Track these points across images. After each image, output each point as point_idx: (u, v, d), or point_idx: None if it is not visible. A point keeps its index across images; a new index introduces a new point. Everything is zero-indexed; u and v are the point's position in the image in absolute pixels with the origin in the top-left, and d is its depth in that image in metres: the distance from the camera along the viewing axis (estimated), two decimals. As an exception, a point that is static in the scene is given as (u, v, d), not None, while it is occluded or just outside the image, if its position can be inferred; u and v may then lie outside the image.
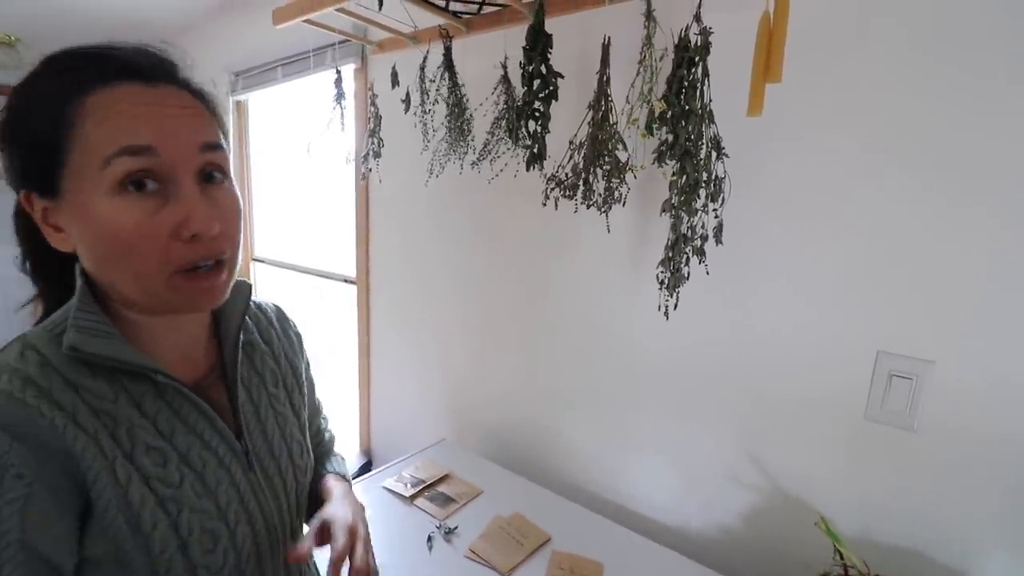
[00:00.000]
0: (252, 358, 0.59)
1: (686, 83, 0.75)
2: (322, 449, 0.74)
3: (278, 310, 0.68)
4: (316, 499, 0.64)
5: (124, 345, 0.45)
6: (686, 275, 0.86)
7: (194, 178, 0.45)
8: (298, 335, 0.69)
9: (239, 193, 0.50)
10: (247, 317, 0.59)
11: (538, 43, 0.79)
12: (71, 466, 0.41)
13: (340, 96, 1.25)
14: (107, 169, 0.41)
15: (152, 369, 0.46)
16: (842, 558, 0.80)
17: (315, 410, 0.72)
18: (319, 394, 0.73)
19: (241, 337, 0.57)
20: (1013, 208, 0.75)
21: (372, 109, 1.31)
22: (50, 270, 0.51)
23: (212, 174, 0.47)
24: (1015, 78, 0.73)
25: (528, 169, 0.90)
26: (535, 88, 0.82)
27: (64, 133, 0.42)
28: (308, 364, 0.70)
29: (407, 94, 1.20)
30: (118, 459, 0.44)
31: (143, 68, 0.45)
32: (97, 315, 0.46)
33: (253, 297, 0.61)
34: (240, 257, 0.51)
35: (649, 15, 0.77)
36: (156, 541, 0.44)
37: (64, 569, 0.42)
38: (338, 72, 1.26)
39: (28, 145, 0.44)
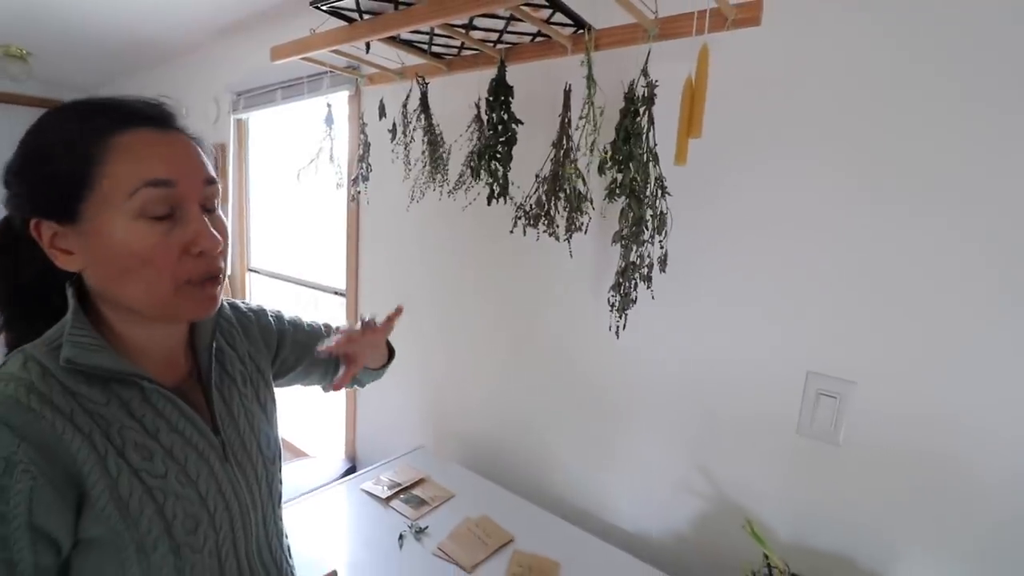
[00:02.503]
0: (223, 363, 0.67)
1: (631, 131, 0.85)
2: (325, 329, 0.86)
3: (233, 308, 0.75)
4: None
5: (113, 356, 0.53)
6: (634, 299, 0.96)
7: (199, 205, 0.55)
8: (262, 324, 0.76)
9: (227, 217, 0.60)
10: (217, 326, 0.68)
11: (499, 94, 0.89)
12: (68, 462, 0.48)
13: (330, 127, 1.35)
14: (133, 198, 0.50)
15: (139, 376, 0.54)
16: (767, 559, 0.89)
17: (305, 333, 0.82)
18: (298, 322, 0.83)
19: (214, 345, 0.65)
20: (921, 247, 0.85)
21: (362, 136, 1.42)
22: (20, 299, 0.58)
23: (211, 202, 0.57)
24: (914, 133, 0.84)
25: (489, 203, 1.01)
26: (497, 132, 0.92)
27: (91, 168, 0.50)
28: (278, 318, 0.79)
29: (394, 125, 1.31)
30: (109, 455, 0.51)
31: (155, 116, 0.55)
32: (89, 331, 0.53)
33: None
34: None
35: (590, 77, 0.87)
36: (144, 524, 0.51)
37: (63, 547, 0.49)
38: (328, 106, 1.37)
39: (51, 177, 0.51)
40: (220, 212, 0.59)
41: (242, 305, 0.77)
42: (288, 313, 0.84)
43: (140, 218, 0.51)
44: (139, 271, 0.52)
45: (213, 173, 0.58)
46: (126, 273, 0.52)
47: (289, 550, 0.72)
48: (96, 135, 0.51)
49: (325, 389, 0.88)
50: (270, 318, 0.79)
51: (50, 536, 0.48)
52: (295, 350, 0.81)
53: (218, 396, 0.64)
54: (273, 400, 0.75)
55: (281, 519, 0.71)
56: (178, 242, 0.53)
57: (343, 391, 1.99)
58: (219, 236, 0.56)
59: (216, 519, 0.58)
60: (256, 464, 0.65)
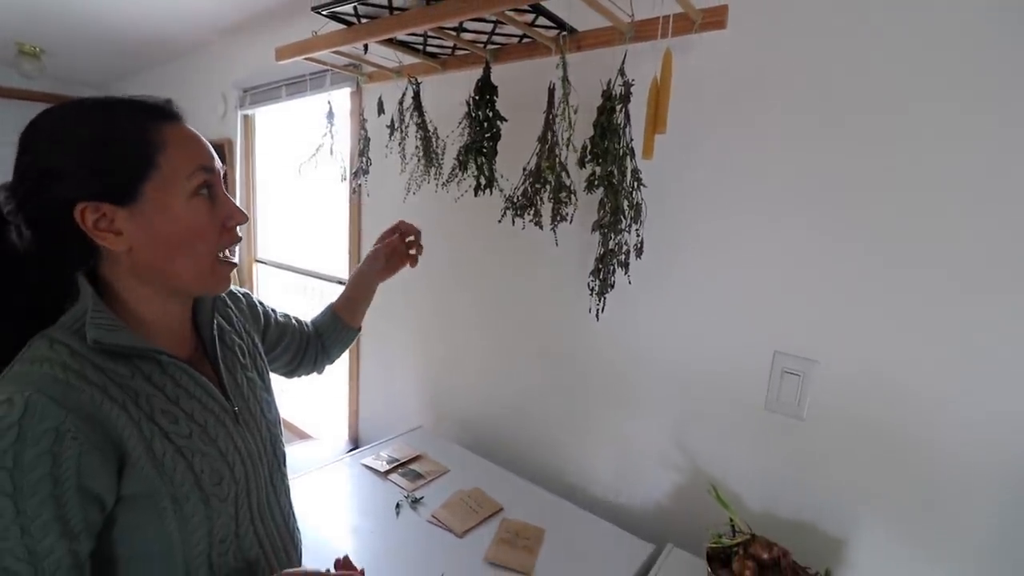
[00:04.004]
0: (224, 338, 0.74)
1: (607, 127, 0.92)
2: (306, 319, 1.02)
3: (229, 291, 0.84)
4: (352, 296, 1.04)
5: (132, 335, 0.59)
6: (612, 284, 1.03)
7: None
8: (250, 304, 0.87)
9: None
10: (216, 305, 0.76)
11: (484, 93, 0.97)
12: (110, 428, 0.54)
13: (331, 124, 1.43)
14: (190, 179, 0.60)
15: (157, 351, 0.60)
16: (731, 522, 0.96)
17: (281, 316, 0.95)
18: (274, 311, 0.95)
19: (215, 322, 0.73)
20: (876, 233, 0.91)
21: (362, 132, 1.49)
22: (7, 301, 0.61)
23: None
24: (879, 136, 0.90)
25: (476, 195, 1.09)
26: (483, 129, 1.00)
27: (155, 152, 0.58)
28: (260, 302, 0.91)
29: (391, 121, 1.38)
30: (143, 420, 0.57)
31: (179, 114, 0.64)
32: (107, 313, 0.58)
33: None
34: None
35: (565, 78, 0.94)
36: (177, 479, 0.59)
37: (107, 504, 0.55)
38: (329, 104, 1.45)
39: (118, 160, 0.56)
40: None
41: (235, 291, 0.87)
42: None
43: (194, 196, 0.60)
44: (192, 244, 0.61)
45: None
46: (179, 247, 0.61)
47: (291, 506, 0.80)
48: (152, 125, 0.59)
49: (288, 375, 1.00)
50: (255, 300, 0.90)
51: (96, 495, 0.54)
52: (277, 329, 0.92)
53: (224, 367, 0.71)
54: (268, 369, 0.83)
55: (286, 476, 0.79)
56: (219, 216, 0.63)
57: (346, 376, 2.08)
58: None
59: (235, 472, 0.65)
60: (261, 427, 0.73)
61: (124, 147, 0.57)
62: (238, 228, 0.66)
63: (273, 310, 0.94)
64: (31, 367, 0.54)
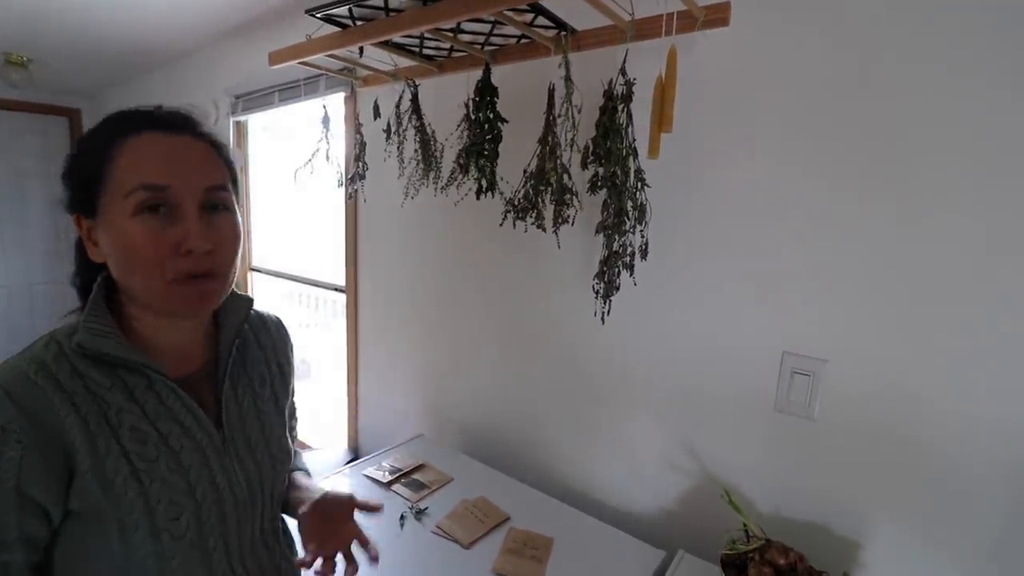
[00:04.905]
0: (245, 361, 0.69)
1: (610, 127, 0.90)
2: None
3: (278, 322, 0.79)
4: (286, 485, 0.76)
5: (122, 344, 0.57)
6: (617, 286, 1.01)
7: (198, 207, 0.57)
8: (292, 346, 0.80)
9: (240, 223, 0.63)
10: (248, 324, 0.71)
11: (484, 95, 0.95)
12: (59, 437, 0.52)
13: (327, 129, 1.40)
14: (129, 197, 0.54)
15: (143, 365, 0.57)
16: (745, 527, 0.94)
17: (291, 411, 0.82)
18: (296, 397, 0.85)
19: (236, 341, 0.68)
20: (887, 233, 0.90)
21: (358, 136, 1.47)
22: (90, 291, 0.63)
23: (216, 205, 0.59)
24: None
25: (478, 198, 1.07)
26: (484, 131, 0.98)
27: (104, 167, 0.55)
28: (293, 369, 0.80)
29: (388, 124, 1.36)
30: (101, 435, 0.54)
31: (165, 120, 0.59)
32: (103, 319, 0.57)
33: (256, 308, 0.74)
34: (236, 272, 0.63)
35: (568, 78, 0.93)
36: (125, 504, 0.54)
37: (52, 513, 0.53)
38: (324, 108, 1.42)
39: (79, 175, 0.58)
40: (231, 215, 0.61)
41: (288, 330, 0.81)
42: None
43: (137, 215, 0.55)
44: (136, 264, 0.56)
45: (222, 180, 0.60)
46: (127, 265, 0.57)
47: (292, 547, 0.75)
48: (111, 137, 0.57)
49: None
50: (294, 365, 0.82)
51: (37, 503, 0.52)
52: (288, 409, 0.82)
53: (230, 391, 0.66)
54: (292, 409, 0.78)
55: (279, 519, 0.74)
56: (170, 240, 0.55)
57: (344, 383, 2.05)
58: (211, 236, 0.57)
59: (202, 510, 0.59)
60: (261, 463, 0.67)
61: (83, 159, 0.58)
62: (232, 248, 0.61)
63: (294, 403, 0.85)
64: (18, 360, 0.54)
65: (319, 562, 0.65)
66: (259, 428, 0.69)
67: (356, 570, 0.68)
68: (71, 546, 0.56)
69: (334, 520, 0.70)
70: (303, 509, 0.69)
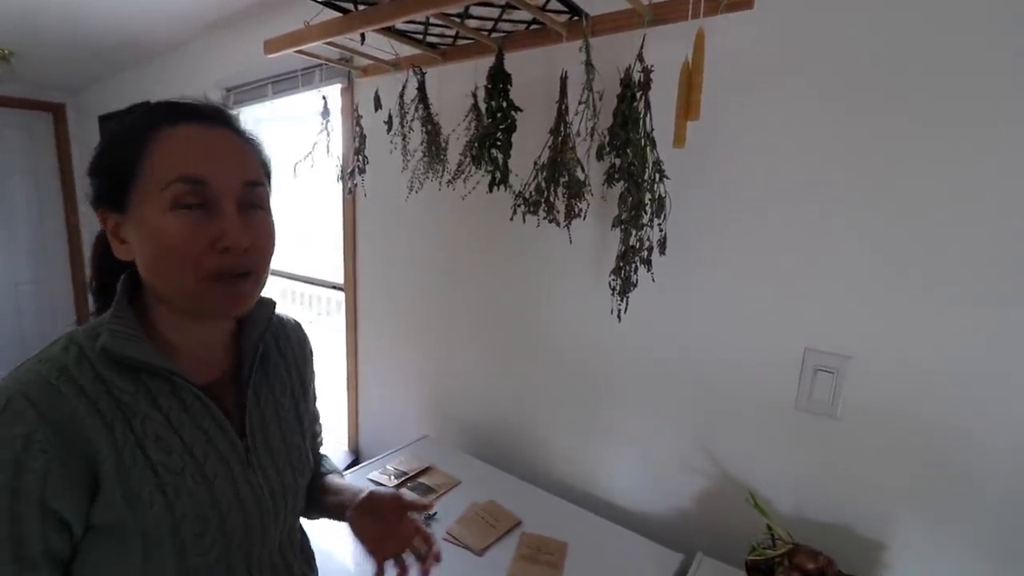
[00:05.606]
0: (266, 367, 0.67)
1: (628, 116, 0.86)
2: (317, 450, 0.83)
3: (297, 325, 0.76)
4: (323, 491, 0.76)
5: (147, 348, 0.54)
6: (634, 282, 0.97)
7: (235, 204, 0.55)
8: (311, 351, 0.77)
9: (275, 224, 0.61)
10: (268, 329, 0.67)
11: (497, 82, 0.90)
12: (84, 447, 0.49)
13: (326, 121, 1.35)
14: (166, 191, 0.52)
15: (168, 371, 0.54)
16: (770, 530, 0.91)
17: (313, 417, 0.79)
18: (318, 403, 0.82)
19: (260, 348, 0.64)
20: (914, 224, 0.86)
21: (357, 129, 1.42)
22: (109, 293, 0.60)
23: (253, 203, 0.57)
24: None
25: (490, 191, 1.02)
26: (496, 120, 0.93)
27: (137, 159, 0.52)
28: (314, 374, 0.78)
29: (389, 116, 1.31)
30: (127, 445, 0.51)
31: (202, 112, 0.56)
32: (128, 321, 0.54)
33: (277, 311, 0.70)
34: (268, 275, 0.60)
35: (588, 63, 0.88)
36: (151, 518, 0.51)
37: (74, 528, 0.50)
38: (324, 99, 1.37)
39: (109, 168, 0.55)
40: (266, 214, 0.59)
41: (307, 333, 0.78)
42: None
43: (172, 209, 0.52)
44: (166, 260, 0.53)
45: (258, 176, 0.58)
46: (157, 262, 0.54)
47: (313, 561, 0.73)
48: (145, 128, 0.54)
49: None
50: (315, 369, 0.79)
51: (61, 517, 0.49)
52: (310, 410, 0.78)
53: (253, 399, 0.63)
54: (313, 419, 0.75)
55: (298, 530, 0.71)
56: (206, 236, 0.53)
57: (344, 383, 2.00)
58: (248, 234, 0.55)
59: (227, 524, 0.57)
60: (283, 474, 0.64)
61: (116, 151, 0.55)
62: (268, 248, 0.59)
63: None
64: (37, 364, 0.51)
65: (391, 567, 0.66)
66: (280, 437, 0.66)
67: (428, 571, 0.68)
68: (87, 565, 0.52)
69: (387, 520, 0.69)
70: (351, 512, 0.68)
